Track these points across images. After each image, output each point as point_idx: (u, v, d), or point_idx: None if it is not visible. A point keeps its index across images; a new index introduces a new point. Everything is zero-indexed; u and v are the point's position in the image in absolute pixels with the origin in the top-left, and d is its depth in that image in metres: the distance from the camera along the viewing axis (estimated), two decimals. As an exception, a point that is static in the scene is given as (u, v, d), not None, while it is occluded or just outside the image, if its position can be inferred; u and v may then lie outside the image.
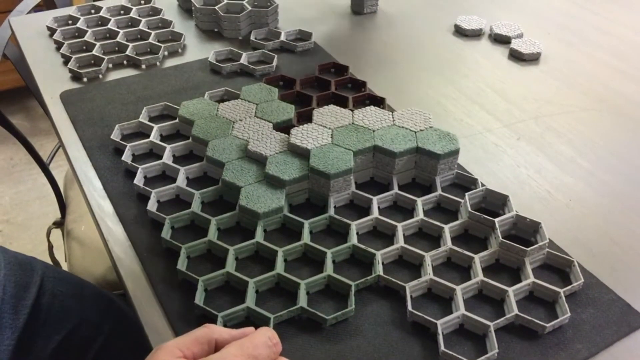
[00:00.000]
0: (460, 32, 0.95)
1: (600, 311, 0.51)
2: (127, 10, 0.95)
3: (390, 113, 0.67)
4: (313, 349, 0.48)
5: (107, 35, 0.90)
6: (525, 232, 0.58)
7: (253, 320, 0.50)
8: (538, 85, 0.83)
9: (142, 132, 0.70)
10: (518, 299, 0.52)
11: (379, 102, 0.74)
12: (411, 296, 0.51)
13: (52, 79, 0.81)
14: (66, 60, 0.84)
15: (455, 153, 0.62)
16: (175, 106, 0.72)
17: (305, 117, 0.70)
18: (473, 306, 0.51)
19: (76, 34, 0.90)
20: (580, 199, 0.64)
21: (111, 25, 0.90)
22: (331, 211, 0.59)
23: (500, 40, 0.92)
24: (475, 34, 0.94)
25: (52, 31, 0.90)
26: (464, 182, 0.64)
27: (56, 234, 1.10)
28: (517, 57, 0.88)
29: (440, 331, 0.48)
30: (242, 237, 0.57)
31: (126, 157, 0.65)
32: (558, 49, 0.91)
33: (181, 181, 0.62)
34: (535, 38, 0.91)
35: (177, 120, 0.70)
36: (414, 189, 0.63)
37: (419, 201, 0.60)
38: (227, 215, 0.58)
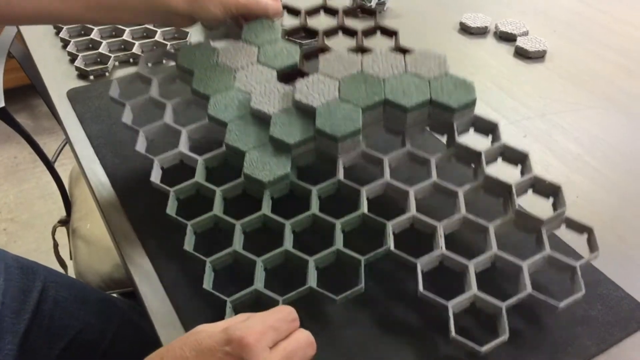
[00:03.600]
0: (466, 29, 0.95)
1: (608, 308, 0.52)
2: (132, 8, 0.95)
3: (402, 57, 0.61)
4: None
5: (113, 33, 0.90)
6: (543, 195, 0.55)
7: (263, 300, 0.49)
8: (544, 82, 0.83)
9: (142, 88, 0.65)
10: (532, 271, 0.50)
11: (391, 34, 0.69)
12: (422, 271, 0.50)
13: (58, 77, 0.81)
14: (73, 58, 0.84)
15: (471, 105, 0.58)
16: (175, 51, 0.67)
17: (311, 56, 0.65)
18: (486, 280, 0.50)
19: (82, 32, 0.90)
20: (588, 196, 0.64)
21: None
22: (340, 174, 0.56)
23: (506, 38, 0.92)
24: (481, 32, 0.94)
25: (58, 29, 0.90)
26: (483, 129, 0.59)
27: (61, 232, 1.10)
28: (522, 54, 0.88)
29: (451, 314, 0.47)
30: (249, 206, 0.54)
31: (126, 118, 0.61)
32: (564, 46, 0.91)
33: (184, 144, 0.58)
34: (540, 36, 0.91)
35: (177, 71, 0.64)
36: (428, 142, 0.60)
37: (432, 160, 0.56)
38: (232, 185, 0.55)
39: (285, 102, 0.58)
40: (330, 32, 0.71)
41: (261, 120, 0.58)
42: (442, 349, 0.49)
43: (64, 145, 1.22)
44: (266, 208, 0.54)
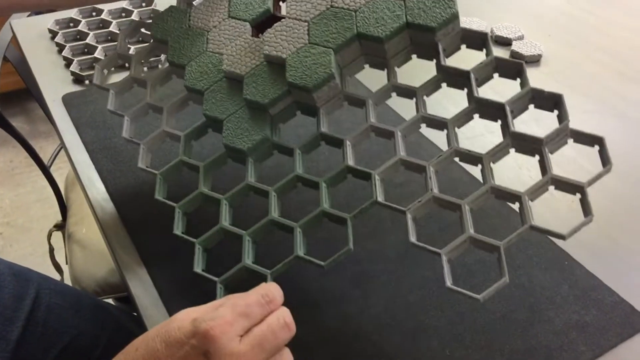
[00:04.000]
0: (461, 34, 0.95)
1: (603, 313, 0.52)
2: (128, 12, 0.95)
3: None
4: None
5: (109, 37, 0.90)
6: (545, 108, 0.50)
7: (253, 276, 0.48)
8: (539, 87, 0.83)
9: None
10: (536, 200, 0.46)
11: None
12: (414, 218, 0.46)
13: (54, 81, 0.81)
14: (68, 62, 0.84)
15: (453, 19, 0.51)
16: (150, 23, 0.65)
17: None
18: (483, 217, 0.47)
19: (78, 36, 0.90)
20: (583, 200, 0.64)
21: (112, 28, 0.90)
22: (323, 126, 0.52)
23: (501, 42, 0.93)
24: (476, 36, 0.94)
25: (53, 34, 0.90)
26: (473, 43, 0.53)
27: (57, 236, 1.10)
28: (518, 58, 0.88)
29: (445, 262, 0.43)
30: (236, 176, 0.53)
31: (110, 105, 0.60)
32: (559, 50, 0.91)
33: (166, 122, 0.57)
34: (536, 40, 0.91)
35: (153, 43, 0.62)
36: (415, 71, 0.56)
37: (419, 92, 0.51)
38: (216, 157, 0.54)
39: (257, 58, 0.55)
40: None
41: (237, 81, 0.55)
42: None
43: (60, 150, 1.22)
44: (251, 176, 0.52)
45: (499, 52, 0.91)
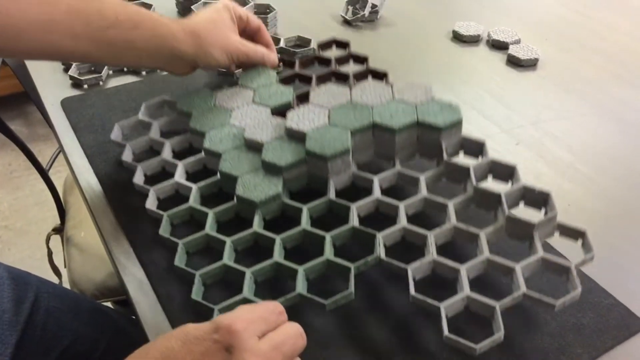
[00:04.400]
0: (458, 38, 0.95)
1: (600, 316, 0.52)
2: (127, 17, 0.95)
3: (390, 87, 0.63)
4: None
5: (107, 42, 0.90)
6: (535, 205, 0.56)
7: None
8: (536, 90, 0.84)
9: (142, 132, 0.68)
10: (527, 275, 0.50)
11: (381, 76, 0.72)
12: (414, 278, 0.50)
13: (52, 85, 0.82)
14: (67, 67, 0.84)
15: (457, 124, 0.59)
16: (174, 100, 0.70)
17: (305, 99, 0.67)
18: (479, 285, 0.49)
19: (76, 40, 0.90)
20: (579, 204, 0.65)
21: (111, 32, 0.90)
22: (331, 194, 0.57)
23: (498, 46, 0.93)
24: (473, 40, 0.95)
25: (52, 38, 0.91)
26: (472, 150, 0.60)
27: (55, 240, 1.10)
28: (515, 62, 0.89)
29: (443, 315, 0.47)
30: (242, 228, 0.55)
31: (126, 156, 0.64)
32: (556, 54, 0.92)
33: (180, 176, 0.60)
34: (532, 44, 0.91)
35: (176, 115, 0.68)
36: (418, 165, 0.60)
37: (422, 178, 0.57)
38: (225, 207, 0.57)
39: (277, 132, 0.60)
40: (324, 78, 0.73)
41: (254, 149, 0.60)
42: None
43: (58, 153, 1.22)
44: (257, 226, 0.55)
45: (496, 56, 0.91)
